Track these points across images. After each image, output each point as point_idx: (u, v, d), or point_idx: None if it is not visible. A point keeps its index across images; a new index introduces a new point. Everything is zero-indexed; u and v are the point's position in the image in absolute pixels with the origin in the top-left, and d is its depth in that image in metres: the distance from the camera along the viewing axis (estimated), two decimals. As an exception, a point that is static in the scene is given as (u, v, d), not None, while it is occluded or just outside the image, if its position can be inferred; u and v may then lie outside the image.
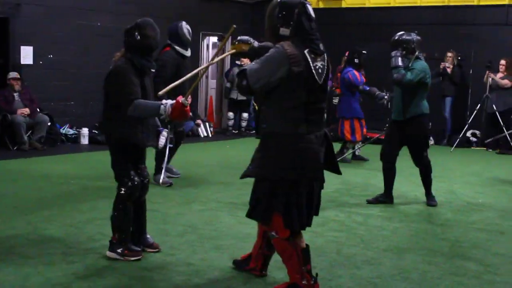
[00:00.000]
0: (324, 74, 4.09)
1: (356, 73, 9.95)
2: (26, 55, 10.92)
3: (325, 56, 4.12)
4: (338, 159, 9.77)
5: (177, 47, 7.67)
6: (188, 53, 7.81)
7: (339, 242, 5.57)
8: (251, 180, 4.20)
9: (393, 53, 7.00)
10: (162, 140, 5.22)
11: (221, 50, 4.72)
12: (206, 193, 7.42)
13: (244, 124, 14.05)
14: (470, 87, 13.14)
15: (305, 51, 3.98)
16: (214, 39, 14.81)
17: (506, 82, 12.18)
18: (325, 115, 4.39)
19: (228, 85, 13.89)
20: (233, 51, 4.48)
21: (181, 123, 7.75)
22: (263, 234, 4.47)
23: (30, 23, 10.87)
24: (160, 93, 4.55)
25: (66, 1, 11.37)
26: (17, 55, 10.83)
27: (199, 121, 10.61)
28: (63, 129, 11.37)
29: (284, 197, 4.01)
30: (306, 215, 4.09)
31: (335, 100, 11.76)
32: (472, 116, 12.28)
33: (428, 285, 4.61)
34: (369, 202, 7.18)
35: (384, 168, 7.19)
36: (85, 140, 11.32)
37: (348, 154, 10.19)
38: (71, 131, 11.42)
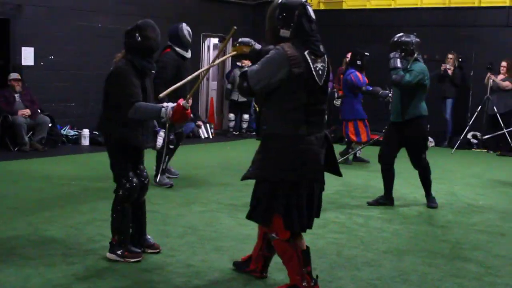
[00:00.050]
0: (325, 76, 4.09)
1: (358, 74, 9.97)
2: (27, 56, 10.93)
3: (326, 58, 4.12)
4: (342, 158, 9.88)
5: (177, 49, 7.67)
6: (188, 54, 7.81)
7: (340, 244, 5.57)
8: (251, 182, 4.20)
9: (391, 55, 7.01)
10: (159, 141, 5.22)
11: (222, 52, 4.72)
12: (207, 195, 7.43)
13: (244, 125, 14.05)
14: (471, 88, 13.13)
15: (305, 53, 3.98)
16: (215, 40, 14.80)
17: (507, 84, 12.17)
18: (326, 116, 4.38)
19: (229, 86, 13.90)
20: (234, 53, 4.49)
21: (180, 124, 7.75)
22: (263, 236, 4.47)
23: (31, 24, 10.88)
24: (161, 95, 4.54)
25: (67, 2, 11.38)
26: (18, 56, 10.85)
27: (200, 123, 10.61)
28: (64, 130, 11.37)
29: (285, 199, 4.01)
30: (307, 217, 4.09)
31: (337, 102, 11.77)
32: (473, 118, 12.27)
33: (428, 287, 4.61)
34: (369, 204, 7.17)
35: (382, 170, 7.19)
36: (86, 141, 11.33)
37: (350, 155, 10.20)
38: (72, 132, 11.43)
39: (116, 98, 4.72)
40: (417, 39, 7.08)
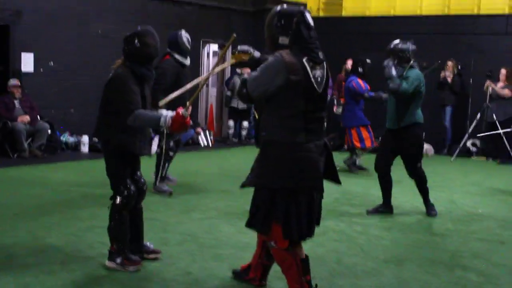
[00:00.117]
0: (324, 83, 4.09)
1: (360, 81, 9.97)
2: (27, 63, 10.94)
3: (325, 65, 4.12)
4: (354, 166, 9.91)
5: (176, 56, 7.66)
6: (187, 61, 7.81)
7: (339, 252, 5.56)
8: (251, 189, 4.19)
9: (385, 63, 7.02)
10: (154, 147, 5.22)
11: (221, 59, 4.71)
12: (206, 202, 7.41)
13: (244, 132, 14.04)
14: (470, 96, 13.14)
15: (304, 60, 3.98)
16: (214, 47, 14.82)
17: (506, 92, 12.17)
18: (325, 124, 4.38)
19: (228, 93, 13.90)
20: (233, 61, 4.49)
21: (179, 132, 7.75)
22: (262, 244, 4.45)
23: (30, 30, 10.89)
24: (161, 103, 4.53)
25: (67, 9, 11.39)
26: (18, 63, 10.85)
27: (199, 130, 10.60)
28: (63, 136, 11.37)
29: (283, 206, 4.00)
30: (307, 225, 4.07)
31: (339, 110, 11.77)
32: (473, 126, 12.28)
33: (428, 296, 4.61)
34: (369, 212, 7.16)
35: (379, 178, 7.17)
36: (85, 148, 11.31)
37: (357, 160, 10.20)
38: (71, 139, 11.42)
39: (116, 104, 4.71)
40: (414, 46, 7.08)
